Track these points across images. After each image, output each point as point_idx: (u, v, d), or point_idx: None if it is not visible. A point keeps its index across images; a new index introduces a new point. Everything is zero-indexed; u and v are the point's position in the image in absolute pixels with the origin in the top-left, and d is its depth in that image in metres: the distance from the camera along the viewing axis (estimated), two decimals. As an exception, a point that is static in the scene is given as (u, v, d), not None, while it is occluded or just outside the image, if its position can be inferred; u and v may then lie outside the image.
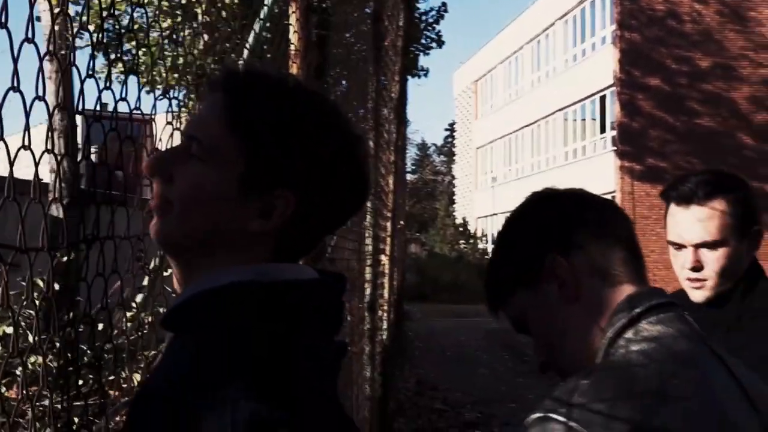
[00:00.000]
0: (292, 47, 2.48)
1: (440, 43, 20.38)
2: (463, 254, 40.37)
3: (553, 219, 1.41)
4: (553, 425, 1.18)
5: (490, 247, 43.20)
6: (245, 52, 2.45)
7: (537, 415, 1.21)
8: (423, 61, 27.88)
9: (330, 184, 1.17)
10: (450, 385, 12.46)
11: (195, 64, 2.30)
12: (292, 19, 2.44)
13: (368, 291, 5.10)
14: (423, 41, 20.08)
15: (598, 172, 28.87)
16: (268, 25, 2.46)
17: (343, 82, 4.15)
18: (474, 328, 21.79)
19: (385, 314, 7.53)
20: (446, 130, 72.86)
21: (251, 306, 1.10)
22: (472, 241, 41.97)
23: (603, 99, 30.15)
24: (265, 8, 2.46)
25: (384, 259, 6.98)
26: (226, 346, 1.06)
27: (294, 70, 2.44)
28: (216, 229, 1.14)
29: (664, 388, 1.18)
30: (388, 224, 7.88)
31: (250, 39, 2.44)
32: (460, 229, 43.06)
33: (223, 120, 1.16)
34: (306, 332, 1.13)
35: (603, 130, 30.32)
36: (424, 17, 20.21)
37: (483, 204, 43.39)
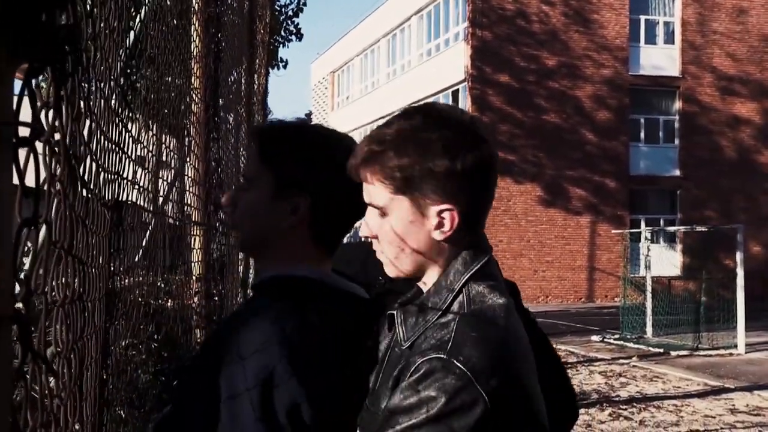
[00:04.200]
0: (195, 52, 2.93)
1: (300, 36, 20.71)
2: (318, 243, 40.82)
3: None
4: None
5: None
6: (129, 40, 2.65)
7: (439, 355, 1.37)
8: (282, 51, 28.11)
9: (333, 190, 1.71)
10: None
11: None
12: (195, 30, 2.88)
13: (241, 269, 5.55)
14: (283, 33, 20.36)
15: (450, 164, 29.66)
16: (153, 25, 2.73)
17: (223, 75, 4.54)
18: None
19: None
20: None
21: (289, 291, 1.67)
22: (327, 230, 42.47)
23: (455, 93, 31.06)
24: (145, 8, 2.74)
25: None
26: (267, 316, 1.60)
27: (198, 71, 2.90)
28: (264, 231, 1.74)
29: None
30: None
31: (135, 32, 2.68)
32: (316, 218, 43.49)
33: (257, 159, 1.76)
34: (321, 309, 1.65)
35: (455, 123, 31.21)
36: (283, 9, 20.50)
37: (339, 194, 43.81)
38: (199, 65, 2.90)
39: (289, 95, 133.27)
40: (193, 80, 2.88)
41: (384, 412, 1.39)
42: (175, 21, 2.70)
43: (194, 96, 2.87)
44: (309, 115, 60.88)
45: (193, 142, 2.89)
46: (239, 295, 5.46)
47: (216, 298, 3.21)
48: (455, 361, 1.33)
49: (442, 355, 1.35)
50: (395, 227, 1.52)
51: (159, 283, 3.03)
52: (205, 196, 2.99)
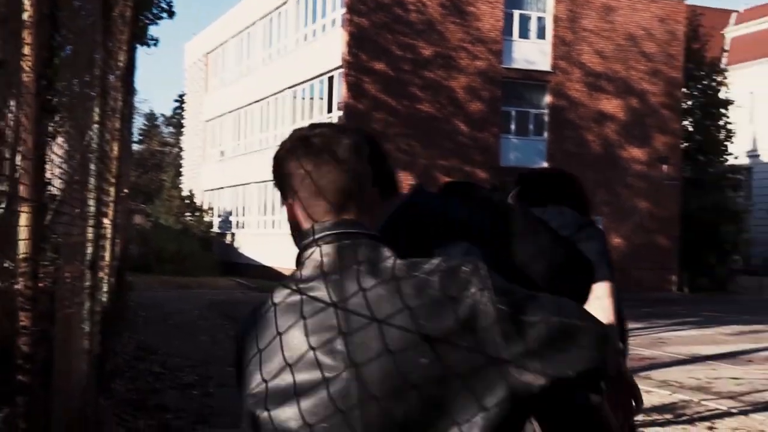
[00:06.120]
0: (27, 19, 2.75)
1: (171, 14, 20.26)
2: (188, 226, 40.21)
3: None
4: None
5: (216, 220, 42.49)
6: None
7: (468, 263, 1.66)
8: (153, 30, 27.47)
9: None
10: (170, 350, 12.72)
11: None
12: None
13: (89, 250, 5.33)
14: (154, 11, 19.87)
15: (324, 150, 29.61)
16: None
17: (68, 47, 4.32)
18: (196, 299, 22.07)
19: (106, 277, 7.72)
20: (176, 101, 71.59)
21: None
22: (198, 213, 41.88)
23: (331, 79, 31.04)
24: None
25: (107, 222, 7.18)
26: None
27: (28, 39, 2.73)
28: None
29: None
30: (112, 190, 8.05)
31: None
32: (187, 201, 42.79)
33: None
34: None
35: (330, 109, 31.24)
36: (155, -15, 20.00)
37: (210, 177, 43.25)
38: (30, 32, 2.73)
39: (162, 75, 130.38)
40: (23, 48, 2.72)
41: None
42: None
43: (23, 65, 2.70)
44: (182, 96, 59.82)
45: (21, 113, 2.72)
46: (87, 278, 5.26)
47: (43, 280, 3.06)
48: None
49: None
50: None
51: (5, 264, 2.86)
52: (34, 171, 2.83)
